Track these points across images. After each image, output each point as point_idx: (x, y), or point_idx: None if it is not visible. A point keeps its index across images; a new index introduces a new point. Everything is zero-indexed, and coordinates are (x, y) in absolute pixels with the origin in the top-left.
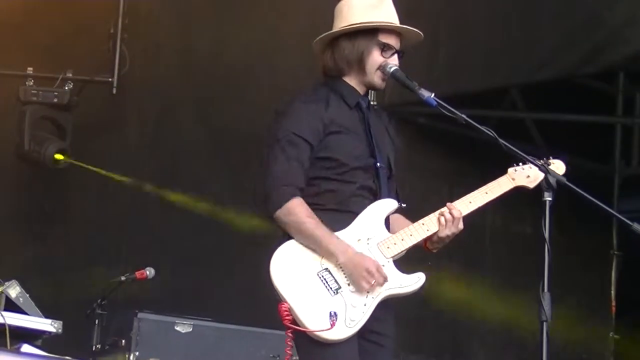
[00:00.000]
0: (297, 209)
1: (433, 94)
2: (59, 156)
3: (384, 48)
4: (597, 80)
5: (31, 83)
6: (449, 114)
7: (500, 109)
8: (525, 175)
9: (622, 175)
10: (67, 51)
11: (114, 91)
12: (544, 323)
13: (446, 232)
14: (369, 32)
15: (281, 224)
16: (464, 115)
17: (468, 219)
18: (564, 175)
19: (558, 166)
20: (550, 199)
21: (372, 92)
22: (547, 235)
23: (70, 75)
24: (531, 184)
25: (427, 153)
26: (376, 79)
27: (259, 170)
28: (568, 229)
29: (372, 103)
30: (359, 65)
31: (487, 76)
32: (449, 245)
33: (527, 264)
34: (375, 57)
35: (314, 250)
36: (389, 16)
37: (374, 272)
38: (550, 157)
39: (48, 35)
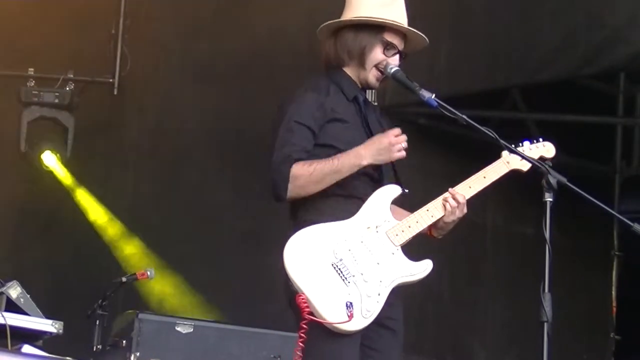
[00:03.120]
0: (300, 170)
1: (434, 95)
2: (48, 161)
3: (387, 46)
4: (598, 81)
5: (32, 84)
6: (449, 114)
7: (501, 109)
8: (519, 158)
9: (622, 176)
10: (68, 52)
11: (115, 92)
12: (545, 323)
13: (451, 217)
14: (375, 28)
15: (301, 193)
16: (464, 116)
17: (469, 218)
18: (555, 157)
19: (548, 148)
20: (551, 199)
21: (373, 92)
22: (547, 235)
23: (72, 76)
24: (524, 166)
25: (427, 154)
26: (371, 76)
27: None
28: (569, 229)
29: (372, 101)
30: (360, 58)
31: (488, 77)
32: (451, 240)
33: (528, 264)
34: (377, 54)
35: (325, 239)
36: (398, 16)
37: (394, 142)
38: (540, 139)
39: (49, 36)
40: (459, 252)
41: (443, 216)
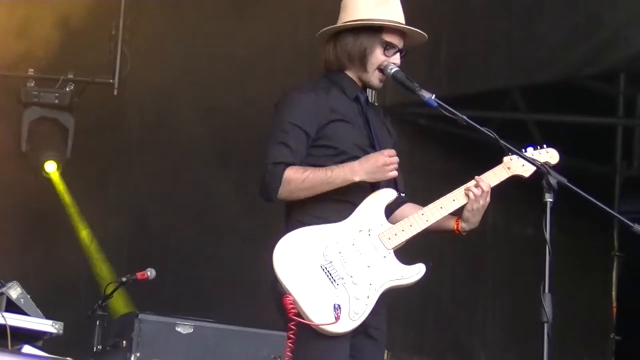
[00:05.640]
0: (292, 175)
1: (434, 95)
2: (49, 168)
3: (387, 47)
4: (598, 82)
5: (32, 84)
6: (449, 115)
7: (501, 110)
8: (520, 164)
9: (623, 176)
10: (68, 52)
11: (115, 92)
12: (545, 324)
13: (475, 204)
14: (374, 30)
15: (290, 197)
16: (464, 117)
17: None
18: (558, 164)
19: (552, 155)
20: (551, 200)
21: (373, 92)
22: (548, 236)
23: (72, 76)
24: (526, 172)
25: (428, 154)
26: (374, 78)
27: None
28: (569, 229)
29: (373, 102)
30: (361, 61)
31: (488, 77)
32: (451, 240)
33: (528, 264)
34: (378, 56)
35: (315, 242)
36: (395, 15)
37: (388, 162)
38: (544, 145)
39: (49, 36)
40: (459, 252)
41: (466, 204)
